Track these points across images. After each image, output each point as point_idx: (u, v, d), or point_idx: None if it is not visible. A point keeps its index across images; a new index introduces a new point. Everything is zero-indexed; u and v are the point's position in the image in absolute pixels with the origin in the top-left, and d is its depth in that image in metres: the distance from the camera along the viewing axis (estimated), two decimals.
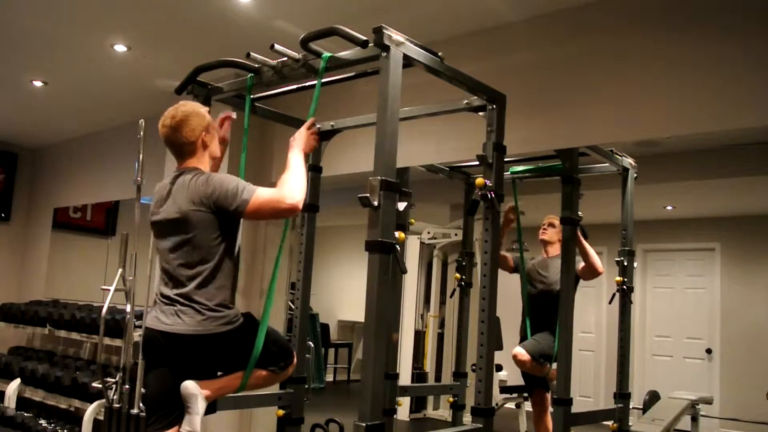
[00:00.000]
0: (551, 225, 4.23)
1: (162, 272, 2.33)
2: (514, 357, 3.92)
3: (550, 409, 4.03)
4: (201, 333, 2.20)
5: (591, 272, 3.88)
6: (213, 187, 2.20)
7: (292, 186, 2.22)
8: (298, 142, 2.43)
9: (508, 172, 3.98)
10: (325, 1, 3.46)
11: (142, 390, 2.47)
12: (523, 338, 4.15)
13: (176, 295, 2.24)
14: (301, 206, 2.22)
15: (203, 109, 2.37)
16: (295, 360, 2.52)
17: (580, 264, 3.84)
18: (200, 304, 2.21)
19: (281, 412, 3.09)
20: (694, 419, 5.18)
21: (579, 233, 3.62)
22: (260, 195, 2.19)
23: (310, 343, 3.23)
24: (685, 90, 2.96)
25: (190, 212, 2.21)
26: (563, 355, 3.30)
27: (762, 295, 7.12)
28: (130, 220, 4.58)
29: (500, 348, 5.69)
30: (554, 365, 3.82)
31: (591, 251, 3.84)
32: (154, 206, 2.35)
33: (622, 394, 3.65)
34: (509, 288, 4.25)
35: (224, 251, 2.26)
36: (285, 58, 2.56)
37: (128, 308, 4.27)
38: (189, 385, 2.17)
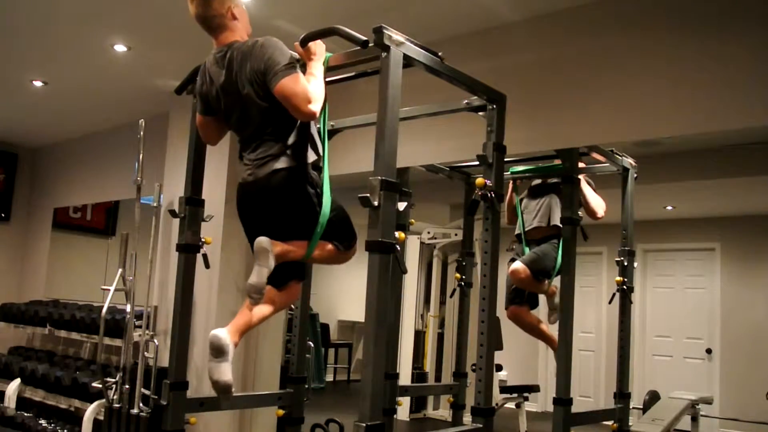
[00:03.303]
0: None
1: (240, 143, 2.41)
2: (514, 272, 3.72)
3: (544, 324, 3.91)
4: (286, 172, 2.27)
5: (590, 216, 3.77)
6: (265, 52, 2.24)
7: (317, 93, 2.26)
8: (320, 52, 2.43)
9: (508, 172, 3.98)
10: (325, 1, 3.45)
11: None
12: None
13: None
14: (317, 115, 2.28)
15: None
16: (356, 246, 2.49)
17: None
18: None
19: (281, 412, 3.09)
20: (694, 419, 5.18)
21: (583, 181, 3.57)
22: (293, 82, 2.19)
23: (310, 343, 3.23)
24: (686, 90, 2.96)
25: (254, 85, 2.26)
26: (563, 354, 3.30)
27: (762, 295, 7.12)
28: (130, 220, 4.59)
29: (500, 348, 5.69)
30: (555, 281, 3.71)
31: (591, 197, 3.75)
32: (204, 84, 2.40)
33: (622, 394, 3.65)
34: None
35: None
36: None
37: (128, 308, 4.28)
38: (263, 241, 2.22)
